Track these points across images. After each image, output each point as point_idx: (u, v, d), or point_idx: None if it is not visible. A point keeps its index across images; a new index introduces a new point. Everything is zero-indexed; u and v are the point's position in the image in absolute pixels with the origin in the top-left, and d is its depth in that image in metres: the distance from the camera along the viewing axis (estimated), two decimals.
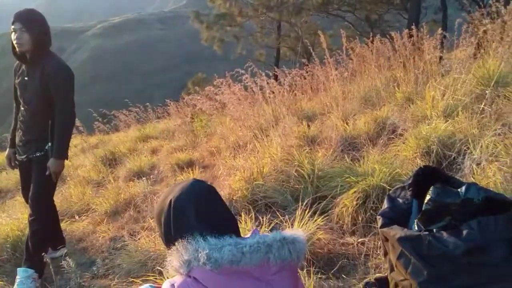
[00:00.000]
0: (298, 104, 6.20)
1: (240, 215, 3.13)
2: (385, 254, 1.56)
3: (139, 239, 3.38)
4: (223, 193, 3.93)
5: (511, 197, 1.34)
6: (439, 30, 5.29)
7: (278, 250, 1.27)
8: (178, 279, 1.28)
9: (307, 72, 6.61)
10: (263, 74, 5.06)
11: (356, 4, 16.67)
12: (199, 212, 1.34)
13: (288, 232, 1.36)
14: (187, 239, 1.26)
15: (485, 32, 5.06)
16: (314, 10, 16.58)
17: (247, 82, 4.94)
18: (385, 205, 1.55)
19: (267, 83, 5.05)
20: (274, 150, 4.11)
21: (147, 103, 10.85)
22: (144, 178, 5.04)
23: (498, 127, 3.09)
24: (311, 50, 7.15)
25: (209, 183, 1.54)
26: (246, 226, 2.92)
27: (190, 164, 5.66)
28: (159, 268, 2.66)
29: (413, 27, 5.93)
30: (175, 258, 1.25)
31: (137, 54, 68.74)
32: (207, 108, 6.32)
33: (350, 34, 14.40)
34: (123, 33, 78.33)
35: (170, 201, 1.36)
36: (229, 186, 3.93)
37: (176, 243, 1.28)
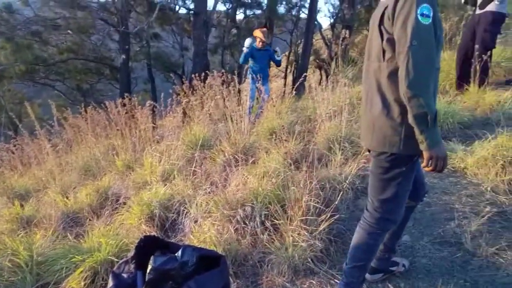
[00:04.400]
0: (7, 182, 5.46)
1: None
2: None
3: None
4: None
5: (219, 252, 1.54)
6: (150, 101, 5.73)
7: None
8: None
9: (15, 146, 5.95)
10: None
11: (65, 73, 16.21)
12: None
13: None
14: None
15: (188, 102, 5.78)
16: (17, 78, 15.21)
17: None
18: (110, 283, 1.52)
19: None
20: None
21: None
22: None
23: (208, 186, 3.52)
24: (17, 121, 6.50)
25: None
26: None
27: None
28: None
29: (125, 96, 6.18)
30: None
31: None
32: None
33: (62, 103, 13.91)
34: None
35: None
36: None
37: None
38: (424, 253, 2.62)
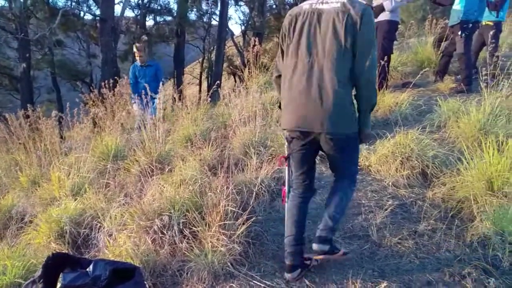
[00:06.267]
0: None
1: None
2: None
3: None
4: None
5: (133, 264, 1.51)
6: (55, 111, 5.41)
7: None
8: None
9: None
10: None
11: None
12: None
13: None
14: None
15: (98, 111, 5.54)
16: None
17: None
18: None
19: None
20: None
21: None
22: None
23: (122, 197, 3.40)
24: None
25: None
26: None
27: None
28: None
29: (28, 107, 5.78)
30: None
31: None
32: None
33: None
34: None
35: None
36: None
37: None
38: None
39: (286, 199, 2.55)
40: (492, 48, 5.38)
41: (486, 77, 4.05)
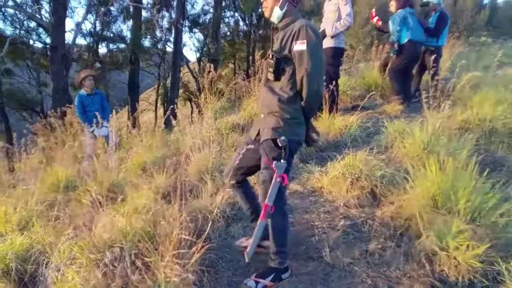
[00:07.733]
0: None
1: None
2: None
3: None
4: None
5: None
6: (0, 142, 5.22)
7: None
8: None
9: None
10: None
11: None
12: None
13: None
14: None
15: (47, 141, 5.38)
16: None
17: None
18: None
19: None
20: None
21: None
22: None
23: (71, 230, 3.29)
24: None
25: None
26: None
27: None
28: None
29: None
30: None
31: None
32: None
33: None
34: None
35: None
36: None
37: None
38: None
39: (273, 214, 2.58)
40: (433, 72, 5.72)
41: (427, 99, 4.26)
